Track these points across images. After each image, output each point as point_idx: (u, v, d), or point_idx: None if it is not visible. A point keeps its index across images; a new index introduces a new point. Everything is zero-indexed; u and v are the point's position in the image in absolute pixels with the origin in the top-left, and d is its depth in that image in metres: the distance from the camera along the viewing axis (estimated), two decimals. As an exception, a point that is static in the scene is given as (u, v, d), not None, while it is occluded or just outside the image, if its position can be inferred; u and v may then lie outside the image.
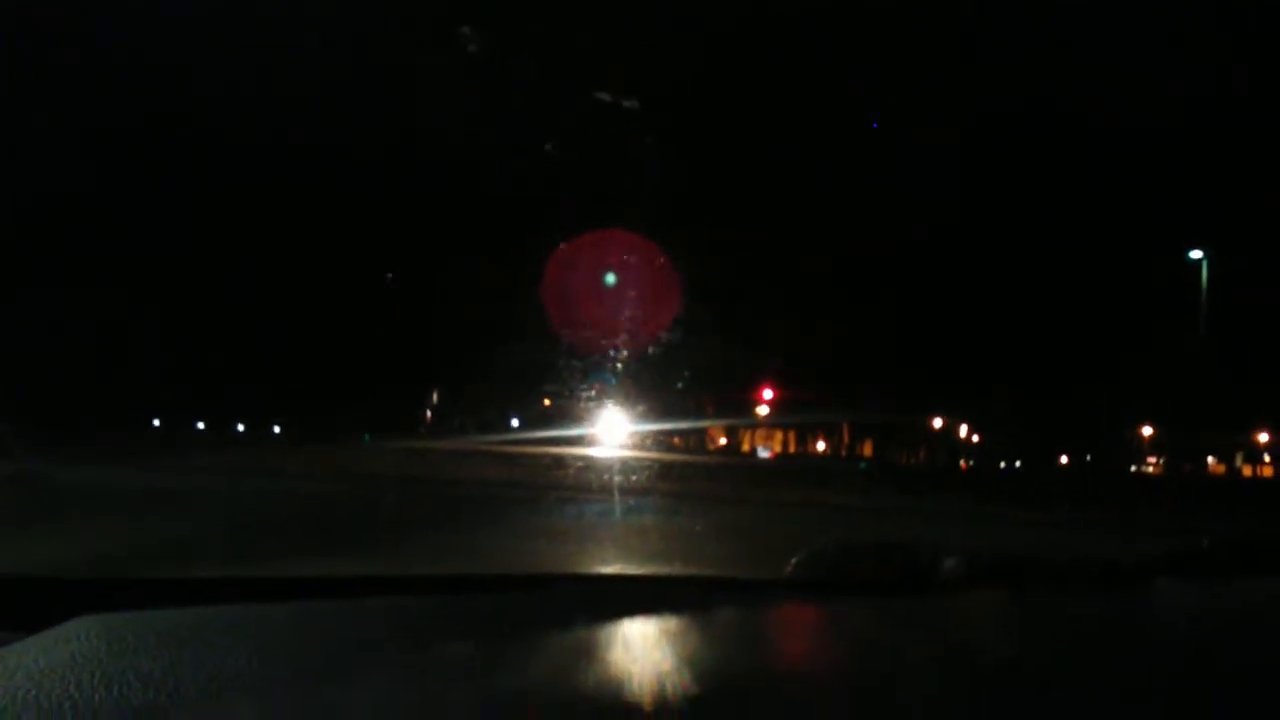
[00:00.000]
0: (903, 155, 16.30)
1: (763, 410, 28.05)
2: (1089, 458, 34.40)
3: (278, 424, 26.43)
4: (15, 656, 1.54)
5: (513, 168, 10.41)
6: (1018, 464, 33.73)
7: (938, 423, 35.87)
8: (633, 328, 11.84)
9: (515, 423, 19.85)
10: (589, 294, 12.24)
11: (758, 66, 13.24)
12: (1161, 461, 35.07)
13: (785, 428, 35.75)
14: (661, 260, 11.94)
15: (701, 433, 31.13)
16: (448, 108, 9.77)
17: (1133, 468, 34.62)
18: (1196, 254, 22.16)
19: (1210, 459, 35.35)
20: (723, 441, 34.61)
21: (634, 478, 11.64)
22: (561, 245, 11.40)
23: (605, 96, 8.46)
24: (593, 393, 12.54)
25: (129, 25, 9.98)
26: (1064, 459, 34.77)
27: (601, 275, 12.00)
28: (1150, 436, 35.66)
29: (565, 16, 9.82)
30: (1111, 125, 17.82)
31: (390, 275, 16.89)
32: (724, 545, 6.90)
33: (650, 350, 12.52)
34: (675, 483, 12.72)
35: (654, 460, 14.25)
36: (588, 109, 8.84)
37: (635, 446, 14.50)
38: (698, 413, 24.67)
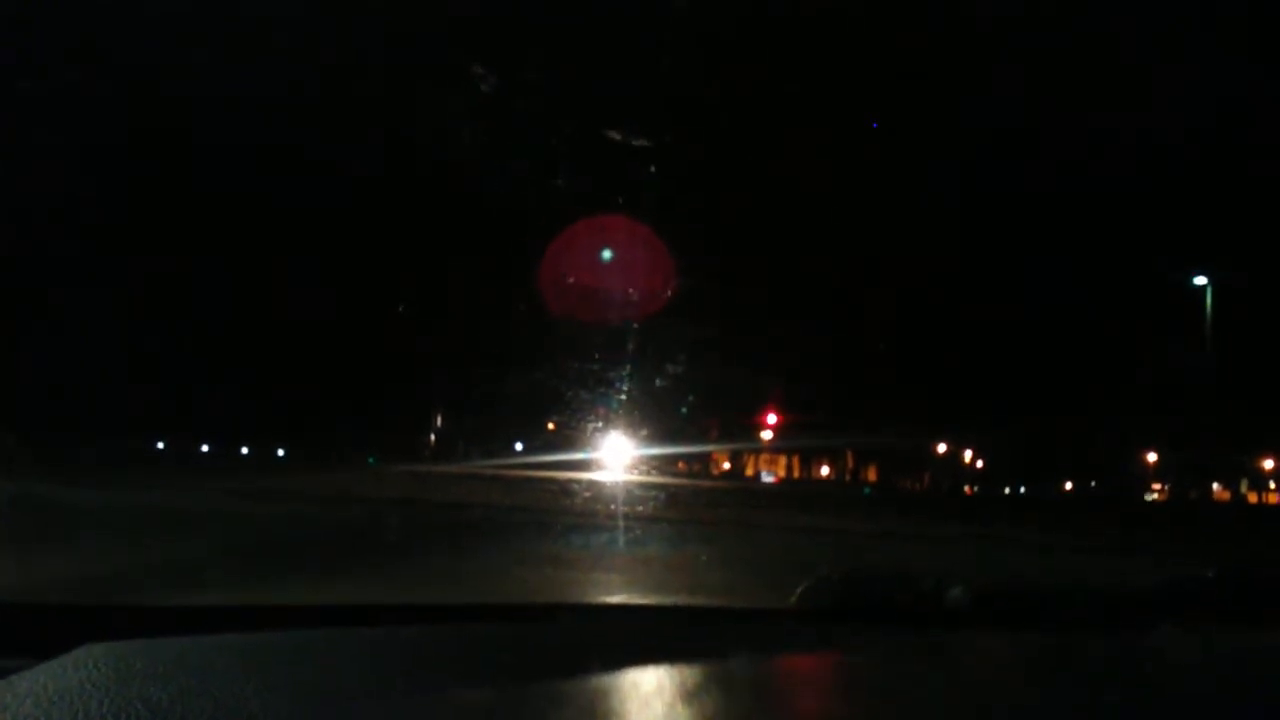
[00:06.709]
0: (910, 182, 16.31)
1: (767, 435, 27.99)
2: (1093, 483, 34.32)
3: (282, 447, 26.57)
4: (24, 683, 1.54)
5: (519, 192, 10.44)
6: (1021, 489, 33.67)
7: (941, 447, 35.77)
8: (637, 351, 11.83)
9: (519, 447, 19.87)
10: (593, 318, 12.25)
11: (758, 83, 13.24)
12: (1166, 487, 34.95)
13: (789, 452, 35.65)
14: (667, 285, 11.96)
15: (706, 457, 31.10)
16: (456, 132, 9.83)
17: (1137, 493, 34.51)
18: (1201, 280, 22.18)
19: (1215, 485, 35.20)
20: (727, 466, 34.51)
21: (639, 504, 11.62)
22: (567, 272, 11.43)
23: (616, 135, 8.56)
24: (597, 418, 12.53)
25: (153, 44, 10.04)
26: (1068, 484, 34.70)
27: (606, 299, 12.01)
28: (1155, 462, 35.54)
29: (563, 25, 9.84)
30: (1109, 143, 17.78)
31: (401, 308, 16.97)
32: (730, 572, 6.87)
33: (656, 379, 12.53)
34: (680, 508, 12.68)
35: (658, 485, 14.26)
36: (594, 138, 8.91)
37: (639, 471, 14.49)
38: (702, 437, 24.67)
